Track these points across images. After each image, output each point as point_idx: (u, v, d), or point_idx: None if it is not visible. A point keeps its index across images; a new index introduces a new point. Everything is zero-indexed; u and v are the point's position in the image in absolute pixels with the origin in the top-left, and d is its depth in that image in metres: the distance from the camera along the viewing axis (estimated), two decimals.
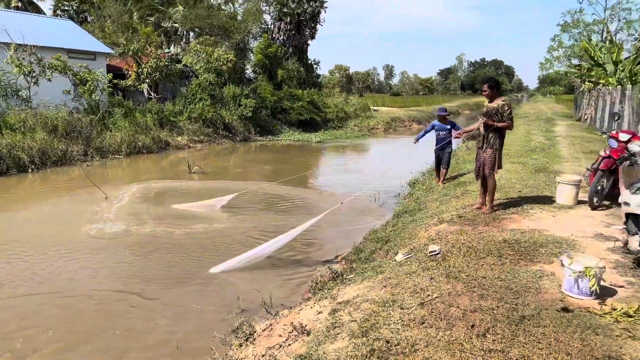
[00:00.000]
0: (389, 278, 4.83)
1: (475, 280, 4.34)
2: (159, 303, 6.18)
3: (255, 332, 5.10)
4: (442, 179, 10.45)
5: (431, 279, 4.50)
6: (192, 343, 5.20)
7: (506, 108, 6.50)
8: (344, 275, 5.93)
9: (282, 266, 7.38)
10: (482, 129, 6.70)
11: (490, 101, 6.71)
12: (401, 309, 3.91)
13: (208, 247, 8.14)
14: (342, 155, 22.08)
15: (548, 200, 7.42)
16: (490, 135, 6.58)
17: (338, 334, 3.84)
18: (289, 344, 4.27)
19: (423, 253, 5.40)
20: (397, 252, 6.00)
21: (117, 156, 19.77)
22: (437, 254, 5.22)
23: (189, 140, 23.59)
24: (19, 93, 19.70)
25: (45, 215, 10.52)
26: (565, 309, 3.70)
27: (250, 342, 4.93)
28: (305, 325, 4.42)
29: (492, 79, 6.81)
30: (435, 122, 10.42)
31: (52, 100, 20.09)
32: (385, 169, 16.18)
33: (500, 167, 6.78)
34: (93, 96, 21.02)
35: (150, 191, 12.90)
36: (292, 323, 4.49)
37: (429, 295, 4.08)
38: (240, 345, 4.90)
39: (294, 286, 6.69)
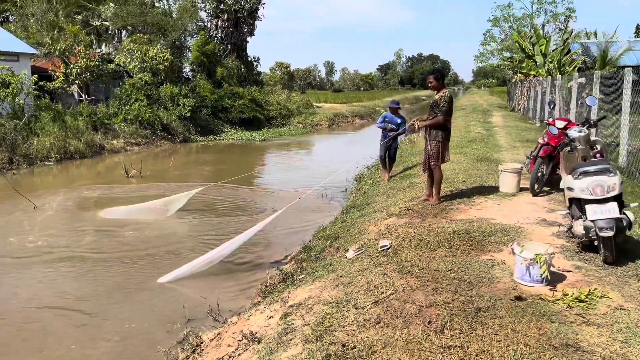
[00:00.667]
0: (341, 276, 4.67)
1: (429, 273, 4.25)
2: (100, 319, 5.74)
3: (202, 342, 4.81)
4: (388, 174, 10.26)
5: (384, 274, 4.37)
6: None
7: (443, 101, 6.51)
8: (295, 276, 5.72)
9: (232, 270, 7.08)
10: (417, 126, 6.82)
11: (437, 92, 6.70)
12: (355, 309, 3.75)
13: (154, 256, 7.68)
14: (287, 152, 21.86)
15: (492, 189, 7.52)
16: (433, 129, 6.58)
17: (291, 340, 3.63)
18: (239, 354, 4.01)
19: (374, 248, 5.27)
20: (348, 249, 5.85)
21: (47, 162, 18.57)
22: (388, 248, 5.11)
23: (126, 143, 22.56)
24: None
25: None
26: (519, 298, 3.67)
27: (198, 354, 4.63)
28: (256, 333, 4.17)
29: (437, 70, 6.82)
30: (387, 113, 10.21)
31: None
32: (331, 165, 16.12)
33: (446, 159, 6.78)
34: (17, 99, 19.63)
35: (85, 199, 12.15)
36: (241, 331, 4.24)
37: (383, 293, 3.94)
38: (187, 358, 4.59)
39: (243, 290, 6.42)
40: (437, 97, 6.58)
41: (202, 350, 4.67)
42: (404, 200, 7.41)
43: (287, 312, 4.27)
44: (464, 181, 8.17)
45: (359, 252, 5.33)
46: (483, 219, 5.91)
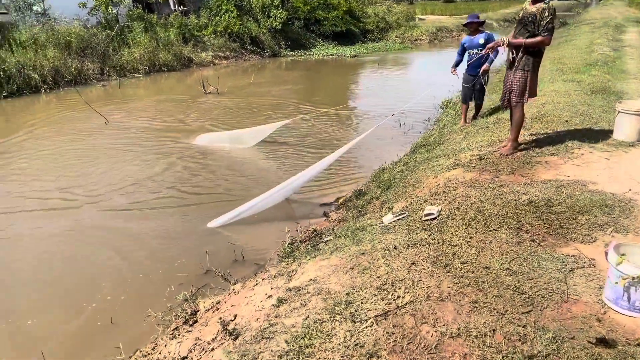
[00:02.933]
0: (362, 254, 3.56)
1: (473, 272, 2.99)
2: (135, 248, 5.41)
3: (198, 311, 4.05)
4: (466, 118, 7.94)
5: (412, 264, 3.18)
6: (130, 314, 4.23)
7: (546, 14, 4.71)
8: (322, 236, 4.71)
9: (288, 212, 6.24)
10: (506, 46, 5.01)
11: (534, 3, 4.92)
12: (352, 322, 2.66)
13: (220, 193, 7.03)
14: (378, 70, 20.08)
15: (603, 134, 5.72)
16: (521, 54, 4.87)
17: (260, 353, 2.68)
18: (213, 348, 3.17)
19: (418, 215, 4.05)
20: (391, 208, 4.67)
21: (135, 75, 18.72)
22: (434, 218, 3.86)
23: (214, 56, 22.12)
24: (33, 7, 18.64)
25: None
26: (604, 341, 2.33)
27: (188, 326, 3.89)
28: (239, 322, 3.29)
29: None
30: (465, 38, 7.66)
31: (65, 14, 18.93)
32: (421, 87, 14.38)
33: (533, 94, 5.11)
34: (109, 9, 19.64)
35: (157, 115, 11.83)
36: (221, 319, 3.36)
37: (399, 298, 2.80)
38: (174, 331, 3.87)
39: (279, 240, 5.56)
40: (533, 8, 4.81)
41: (194, 322, 3.92)
42: (481, 144, 5.91)
43: (282, 298, 3.31)
44: (566, 121, 6.37)
45: (399, 217, 4.14)
46: (579, 181, 4.34)
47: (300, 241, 4.78)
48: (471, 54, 7.34)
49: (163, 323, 4.05)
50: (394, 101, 12.65)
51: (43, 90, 15.42)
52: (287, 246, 4.71)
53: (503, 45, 5.04)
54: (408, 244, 3.48)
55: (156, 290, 4.64)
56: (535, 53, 4.86)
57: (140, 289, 4.71)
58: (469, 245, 3.30)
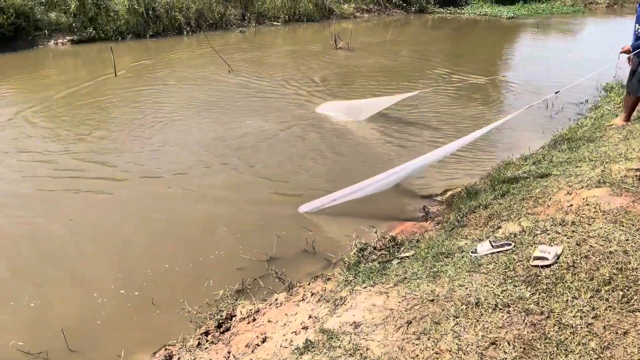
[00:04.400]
0: (431, 301, 2.59)
1: None
2: (215, 216, 5.07)
3: (234, 317, 3.44)
4: (624, 116, 5.98)
5: (492, 345, 2.15)
6: (176, 297, 3.78)
7: None
8: (401, 248, 3.77)
9: (380, 201, 5.28)
10: None
11: None
12: None
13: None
14: (537, 36, 17.45)
15: None
16: None
17: None
18: None
19: (526, 252, 2.91)
20: (498, 227, 3.55)
21: (274, 23, 18.53)
22: (547, 265, 2.71)
23: (356, 8, 21.10)
24: None
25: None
26: None
27: (219, 333, 3.31)
28: (265, 347, 2.58)
29: None
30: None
31: None
32: (590, 62, 12.08)
33: None
34: None
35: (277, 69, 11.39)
36: (248, 344, 2.68)
37: None
38: (204, 336, 3.31)
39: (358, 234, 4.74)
40: None
41: (226, 330, 3.32)
42: None
43: (310, 342, 2.51)
44: None
45: (498, 249, 3.04)
46: None
47: (373, 248, 3.89)
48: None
49: (197, 321, 3.52)
50: (552, 76, 10.73)
51: (185, 32, 15.87)
52: (355, 253, 3.85)
53: None
54: (497, 303, 2.42)
55: (214, 271, 4.14)
56: None
57: (198, 266, 4.24)
58: (590, 332, 2.15)
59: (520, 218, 3.58)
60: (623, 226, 3.00)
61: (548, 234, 3.09)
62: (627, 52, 5.51)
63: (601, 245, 2.81)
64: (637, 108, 5.91)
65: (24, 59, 11.89)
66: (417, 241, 3.88)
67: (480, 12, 21.97)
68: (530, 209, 3.72)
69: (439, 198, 5.49)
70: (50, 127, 7.37)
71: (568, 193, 3.77)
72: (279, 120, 7.78)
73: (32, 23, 13.04)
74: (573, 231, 3.03)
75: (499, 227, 3.55)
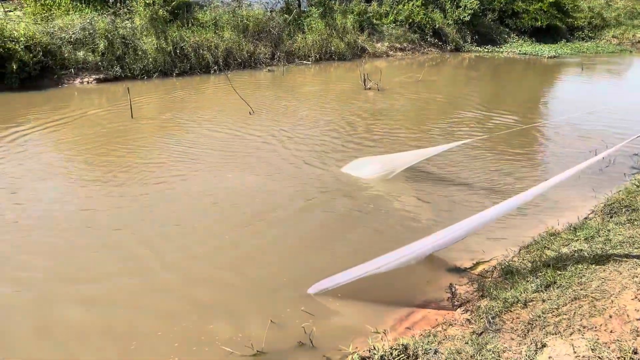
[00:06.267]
0: None
1: None
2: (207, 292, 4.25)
3: None
4: None
5: None
6: None
7: None
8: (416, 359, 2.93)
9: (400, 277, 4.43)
10: None
11: None
12: None
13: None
14: (583, 78, 16.39)
15: None
16: None
17: None
18: None
19: None
20: (543, 345, 2.67)
21: (304, 62, 18.19)
22: None
23: (389, 47, 20.63)
24: None
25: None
26: None
27: None
28: None
29: None
30: None
31: None
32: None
33: None
34: None
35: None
36: None
37: None
38: None
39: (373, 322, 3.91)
40: None
41: None
42: None
43: None
44: None
45: None
46: None
47: (380, 358, 3.05)
48: None
49: None
50: (604, 121, 9.76)
51: (212, 71, 15.63)
52: None
53: None
54: None
55: None
56: None
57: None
58: None
59: (572, 333, 2.70)
60: None
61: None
62: None
63: None
64: None
65: (47, 98, 11.68)
66: (436, 352, 3.01)
67: (520, 50, 21.11)
68: (586, 318, 2.83)
69: (468, 274, 4.62)
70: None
71: (637, 298, 2.87)
72: (293, 185, 6.63)
73: (58, 62, 12.99)
74: None
75: (544, 346, 2.67)
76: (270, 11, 18.98)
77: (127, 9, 15.26)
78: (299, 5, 19.91)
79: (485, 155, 7.88)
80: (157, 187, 6.43)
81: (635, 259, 3.49)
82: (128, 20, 14.86)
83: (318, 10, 19.57)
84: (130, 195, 6.14)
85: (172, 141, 8.31)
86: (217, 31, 16.71)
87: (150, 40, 14.66)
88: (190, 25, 16.16)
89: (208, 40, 16.09)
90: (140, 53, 14.37)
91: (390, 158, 7.18)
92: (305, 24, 19.17)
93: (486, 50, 21.57)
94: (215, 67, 15.83)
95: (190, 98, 11.99)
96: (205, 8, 17.60)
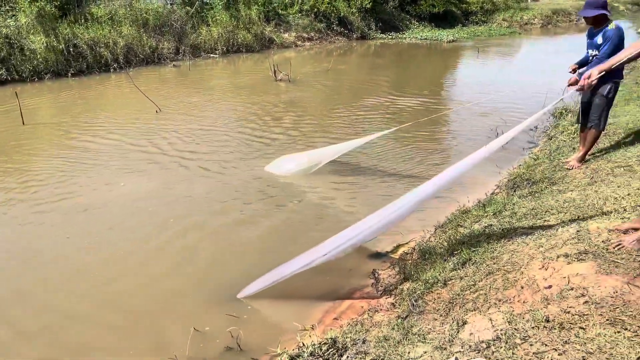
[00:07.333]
0: None
1: None
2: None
3: None
4: (581, 153, 5.26)
5: None
6: None
7: None
8: (344, 354, 2.91)
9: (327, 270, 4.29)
10: None
11: None
12: None
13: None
14: (479, 59, 17.38)
15: None
16: None
17: None
18: None
19: None
20: (464, 322, 2.76)
21: (211, 55, 17.70)
22: None
23: (297, 37, 20.62)
24: None
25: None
26: None
27: None
28: None
29: None
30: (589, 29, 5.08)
31: None
32: (529, 86, 11.83)
33: None
34: None
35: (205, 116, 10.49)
36: None
37: None
38: None
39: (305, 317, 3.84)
40: None
41: None
42: (626, 202, 3.71)
43: None
44: None
45: None
46: None
47: (310, 355, 3.01)
48: (588, 54, 5.06)
49: None
50: (503, 100, 10.35)
51: (112, 70, 14.76)
52: None
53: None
54: None
55: None
56: None
57: None
58: None
59: (489, 308, 2.81)
60: (627, 330, 2.25)
61: (531, 344, 2.31)
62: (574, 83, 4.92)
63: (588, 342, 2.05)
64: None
65: None
66: (364, 341, 3.02)
67: (421, 36, 21.96)
68: (500, 292, 2.96)
69: (389, 258, 4.69)
70: None
71: (543, 267, 3.04)
72: (209, 189, 6.74)
73: None
74: (565, 342, 2.26)
75: (465, 323, 2.76)
76: (171, 4, 18.24)
77: (10, 6, 13.95)
78: None
79: (403, 141, 8.09)
80: (59, 203, 5.94)
81: (539, 230, 3.71)
82: (12, 18, 13.59)
83: (221, 1, 19.08)
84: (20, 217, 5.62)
85: (67, 149, 7.72)
86: (114, 26, 15.77)
87: (39, 38, 13.52)
88: (83, 21, 15.09)
89: (105, 37, 15.14)
90: (28, 53, 13.22)
91: (312, 153, 7.07)
92: (209, 16, 18.61)
93: (390, 37, 22.20)
94: (115, 65, 14.97)
95: (90, 99, 11.23)
96: (98, 2, 16.54)
